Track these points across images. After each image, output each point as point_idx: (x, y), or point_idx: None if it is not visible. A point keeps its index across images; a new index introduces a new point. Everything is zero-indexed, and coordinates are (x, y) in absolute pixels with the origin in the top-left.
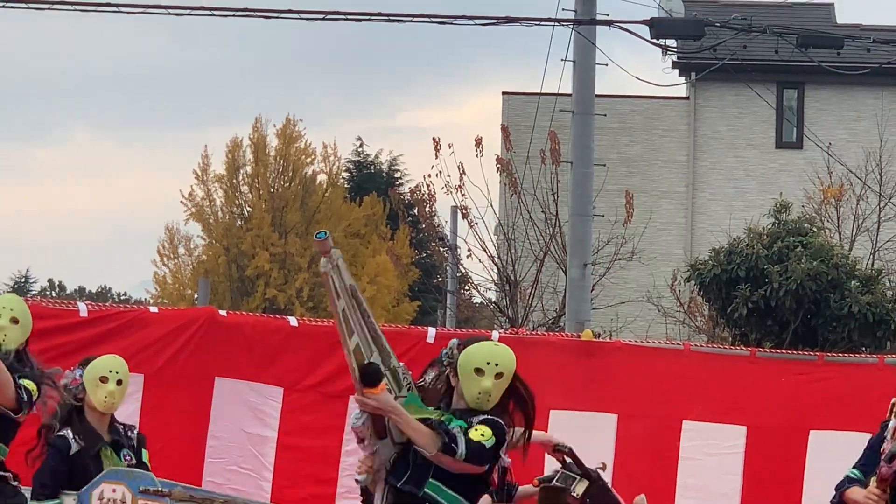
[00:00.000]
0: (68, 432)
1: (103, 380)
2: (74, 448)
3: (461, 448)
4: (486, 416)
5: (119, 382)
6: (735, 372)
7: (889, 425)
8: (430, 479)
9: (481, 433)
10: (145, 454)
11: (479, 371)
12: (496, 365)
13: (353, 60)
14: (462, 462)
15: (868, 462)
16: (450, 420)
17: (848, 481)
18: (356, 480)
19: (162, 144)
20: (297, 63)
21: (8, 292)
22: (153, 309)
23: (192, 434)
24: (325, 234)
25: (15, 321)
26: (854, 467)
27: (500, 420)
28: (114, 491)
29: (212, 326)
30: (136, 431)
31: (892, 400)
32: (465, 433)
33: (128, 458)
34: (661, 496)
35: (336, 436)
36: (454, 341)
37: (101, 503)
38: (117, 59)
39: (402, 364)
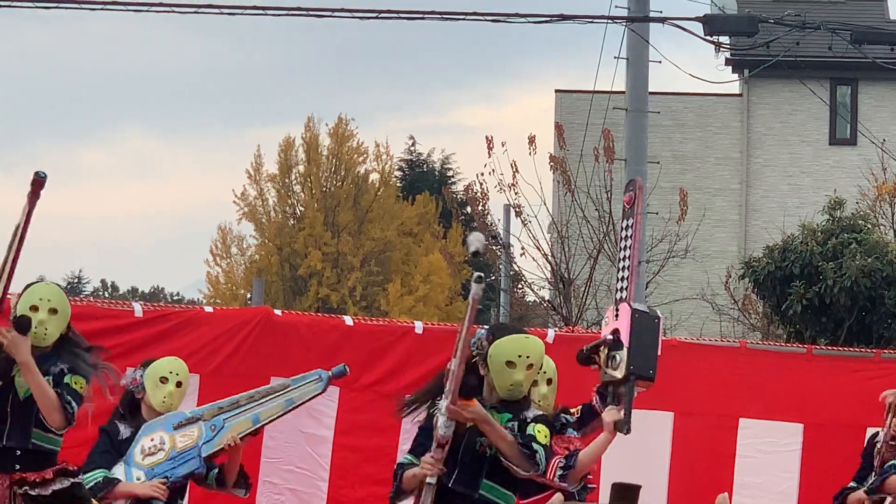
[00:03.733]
0: (119, 422)
1: (163, 380)
2: (124, 434)
3: (542, 463)
4: (539, 415)
5: (178, 384)
6: (792, 369)
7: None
8: (483, 479)
9: (544, 434)
10: None
11: (510, 364)
12: (527, 357)
13: (402, 58)
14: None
15: (864, 471)
16: (501, 418)
17: (850, 489)
18: (428, 484)
19: (212, 145)
20: (347, 62)
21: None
22: (208, 309)
23: None
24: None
25: (54, 311)
26: (853, 481)
27: (549, 419)
28: (152, 439)
29: (267, 326)
30: None
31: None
32: (537, 441)
33: None
34: (717, 494)
35: (393, 435)
36: (481, 331)
37: (144, 455)
38: (165, 60)
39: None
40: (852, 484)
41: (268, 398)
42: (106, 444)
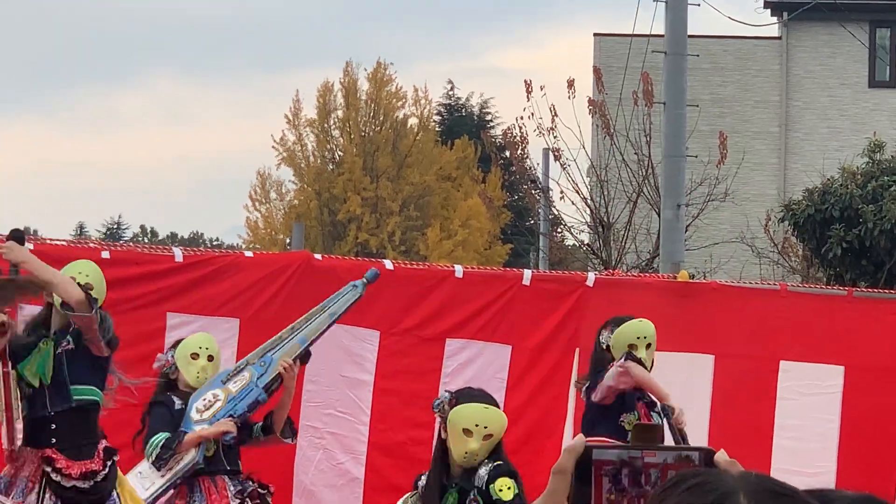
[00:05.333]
0: (172, 394)
1: (194, 356)
2: (178, 405)
3: None
4: (494, 467)
5: (210, 358)
6: (832, 312)
7: None
8: None
9: (508, 487)
10: None
11: (467, 432)
12: (485, 427)
13: (433, 2)
14: None
15: None
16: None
17: None
18: None
19: (250, 90)
20: (383, 4)
21: (101, 239)
22: (248, 253)
23: None
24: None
25: (90, 287)
26: None
27: (511, 468)
28: (204, 399)
29: (307, 270)
30: None
31: None
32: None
33: None
34: (758, 436)
35: (433, 379)
36: (445, 395)
37: (201, 412)
38: (200, 3)
39: None
40: None
41: (309, 322)
42: (165, 414)
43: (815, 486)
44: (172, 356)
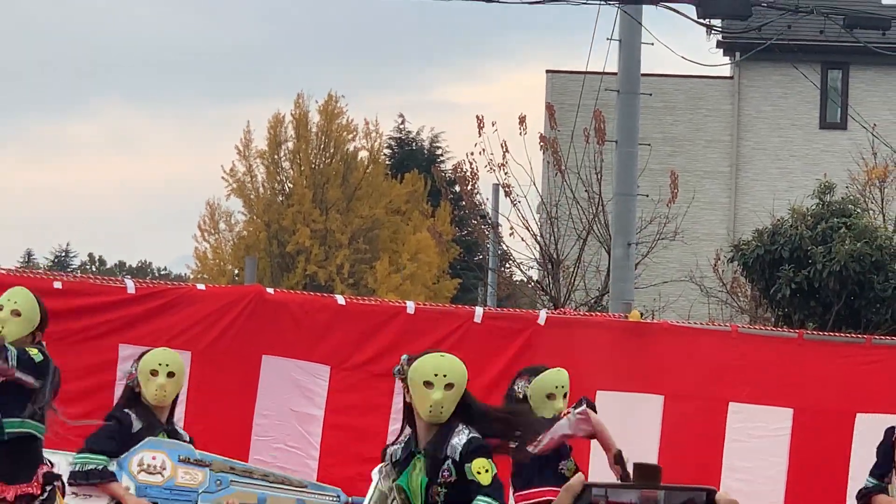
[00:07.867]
0: (130, 412)
1: (153, 373)
2: (136, 426)
3: None
4: (468, 441)
5: (170, 374)
6: (782, 354)
7: None
8: None
9: (486, 469)
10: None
11: (427, 384)
12: (444, 376)
13: (390, 36)
14: None
15: (882, 468)
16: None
17: (873, 488)
18: None
19: (201, 120)
20: (335, 38)
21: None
22: (201, 286)
23: (240, 412)
24: None
25: (17, 314)
26: (870, 476)
27: (483, 442)
28: (154, 458)
29: (259, 304)
30: (188, 438)
31: None
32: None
33: None
34: (707, 477)
35: (383, 414)
36: (404, 357)
37: (141, 468)
38: (152, 34)
39: None
40: (873, 482)
41: (282, 486)
42: (114, 430)
43: None
44: (136, 369)
